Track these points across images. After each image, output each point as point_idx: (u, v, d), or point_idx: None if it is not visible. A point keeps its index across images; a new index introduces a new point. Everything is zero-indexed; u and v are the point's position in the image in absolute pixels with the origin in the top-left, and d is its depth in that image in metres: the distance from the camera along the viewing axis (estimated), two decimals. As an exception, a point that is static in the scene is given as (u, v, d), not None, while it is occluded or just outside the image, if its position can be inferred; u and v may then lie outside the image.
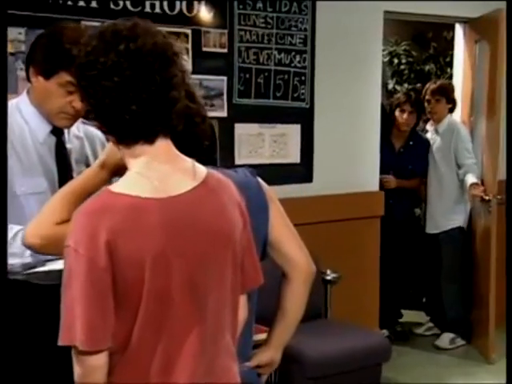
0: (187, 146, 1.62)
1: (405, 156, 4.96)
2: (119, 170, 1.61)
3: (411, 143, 5.00)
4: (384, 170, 4.75)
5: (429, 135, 5.01)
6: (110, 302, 1.41)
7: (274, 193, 2.02)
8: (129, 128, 1.47)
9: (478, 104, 4.98)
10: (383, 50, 6.26)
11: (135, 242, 1.40)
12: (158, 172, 1.49)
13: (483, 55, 4.84)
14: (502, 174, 4.54)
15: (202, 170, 1.58)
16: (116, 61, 1.42)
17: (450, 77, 5.50)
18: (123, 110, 1.43)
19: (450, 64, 5.54)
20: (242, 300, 1.65)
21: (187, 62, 2.51)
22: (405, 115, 4.86)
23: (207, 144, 1.79)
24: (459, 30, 5.16)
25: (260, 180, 1.99)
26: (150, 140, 1.49)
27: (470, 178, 4.61)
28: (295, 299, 1.99)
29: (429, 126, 5.08)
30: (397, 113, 4.90)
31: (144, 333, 1.43)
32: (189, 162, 1.56)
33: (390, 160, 4.84)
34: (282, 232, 1.96)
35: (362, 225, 4.39)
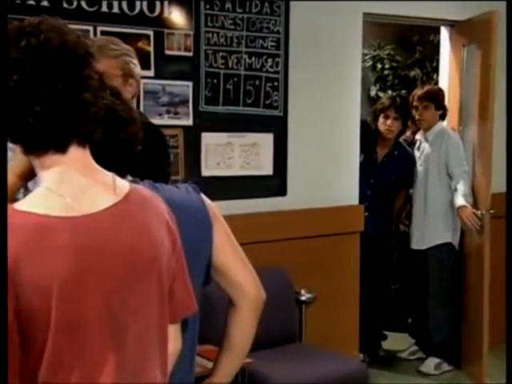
0: (114, 154, 1.55)
1: (388, 166, 4.83)
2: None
3: (395, 153, 4.86)
4: (364, 180, 4.62)
5: (418, 145, 4.85)
6: (13, 336, 1.29)
7: (219, 211, 1.90)
8: (35, 134, 1.37)
9: (467, 111, 4.85)
10: (366, 55, 6.22)
11: (41, 266, 1.30)
12: (73, 186, 1.39)
13: (472, 59, 4.71)
14: (496, 187, 4.45)
15: (123, 184, 1.48)
16: (16, 57, 1.34)
17: (437, 83, 5.28)
18: (26, 111, 1.34)
19: (437, 69, 5.40)
20: (173, 330, 1.54)
21: (137, 67, 2.42)
22: (389, 121, 4.73)
23: (140, 150, 1.64)
24: (445, 34, 5.02)
25: (203, 197, 1.90)
26: (62, 148, 1.39)
27: (458, 200, 4.45)
28: (243, 328, 1.87)
29: (418, 136, 4.92)
30: (380, 119, 4.77)
31: (54, 367, 1.32)
32: (109, 175, 1.46)
33: (371, 170, 4.75)
34: (228, 253, 1.86)
35: (340, 241, 4.27)
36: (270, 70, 3.99)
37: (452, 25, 4.93)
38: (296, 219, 4.10)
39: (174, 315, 1.52)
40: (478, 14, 4.58)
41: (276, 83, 4.01)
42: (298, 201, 4.13)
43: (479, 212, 4.45)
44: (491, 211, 4.46)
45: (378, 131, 4.83)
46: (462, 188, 4.49)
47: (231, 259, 1.85)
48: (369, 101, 6.09)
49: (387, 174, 4.83)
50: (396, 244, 5.17)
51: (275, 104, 4.02)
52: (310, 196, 4.18)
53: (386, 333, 5.08)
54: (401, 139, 5.03)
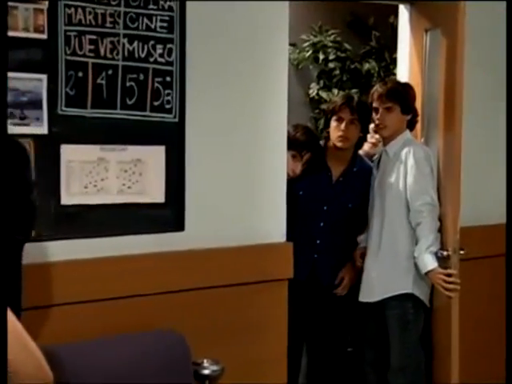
0: None
1: (345, 188, 4.48)
2: None
3: (355, 169, 4.49)
4: (315, 207, 4.42)
5: (377, 162, 4.50)
6: None
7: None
8: None
9: (431, 116, 4.55)
10: (304, 41, 6.19)
11: None
12: None
13: (437, 48, 4.48)
14: (467, 219, 4.30)
15: None
16: None
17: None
18: None
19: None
20: None
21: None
22: (343, 125, 4.37)
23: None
24: (405, 15, 4.80)
25: None
26: None
27: (422, 261, 4.10)
28: None
29: (378, 149, 4.57)
30: (333, 123, 4.41)
31: None
32: None
33: (323, 193, 4.40)
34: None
35: (260, 292, 3.88)
36: (160, 60, 3.58)
37: (412, 2, 4.69)
38: (197, 263, 3.73)
39: None
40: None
41: (168, 78, 3.62)
42: (201, 238, 3.76)
43: (450, 270, 4.11)
44: (461, 252, 4.12)
45: (327, 139, 4.51)
46: (424, 234, 4.12)
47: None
48: (310, 103, 5.97)
49: (345, 198, 4.47)
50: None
51: (167, 106, 3.64)
52: (218, 231, 3.82)
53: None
54: (361, 152, 4.64)
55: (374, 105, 4.37)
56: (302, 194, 4.40)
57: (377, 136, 4.75)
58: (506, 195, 3.59)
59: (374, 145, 4.90)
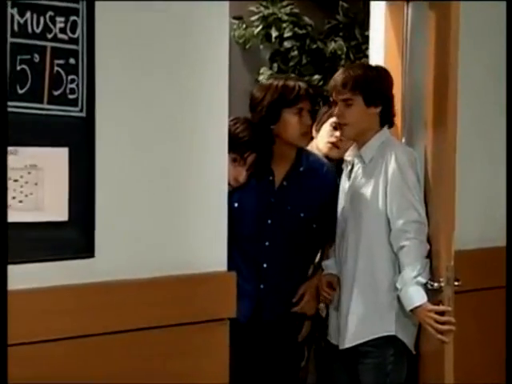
0: None
1: (290, 193, 4.21)
2: None
3: (301, 169, 4.22)
4: (256, 221, 4.12)
5: (347, 171, 4.28)
6: None
7: None
8: None
9: (414, 110, 4.42)
10: (253, 14, 6.24)
11: None
12: None
13: (421, 24, 4.37)
14: (463, 239, 4.12)
15: None
16: None
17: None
18: None
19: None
20: None
21: None
22: (307, 119, 4.22)
23: None
24: None
25: None
26: None
27: (408, 295, 3.87)
28: None
29: (348, 155, 4.30)
30: (293, 118, 4.18)
31: None
32: None
33: (266, 202, 4.11)
34: None
35: (194, 335, 3.62)
36: (62, 36, 3.24)
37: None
38: (110, 299, 3.43)
39: None
40: None
41: (73, 60, 3.29)
42: (115, 266, 3.47)
43: (443, 307, 3.83)
44: (456, 283, 3.85)
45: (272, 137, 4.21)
46: (410, 261, 3.88)
47: None
48: None
49: (293, 206, 4.18)
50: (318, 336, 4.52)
51: (71, 97, 3.31)
52: (137, 258, 3.53)
53: None
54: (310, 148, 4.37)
55: (332, 98, 4.20)
56: (237, 206, 4.08)
57: (337, 134, 4.46)
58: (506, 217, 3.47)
59: (334, 145, 4.55)
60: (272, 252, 4.15)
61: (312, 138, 4.49)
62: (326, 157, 4.50)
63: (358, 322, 4.00)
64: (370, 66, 4.29)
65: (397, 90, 4.38)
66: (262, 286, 4.12)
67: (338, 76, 4.15)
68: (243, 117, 4.15)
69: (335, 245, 4.16)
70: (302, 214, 4.19)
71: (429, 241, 3.96)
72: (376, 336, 3.96)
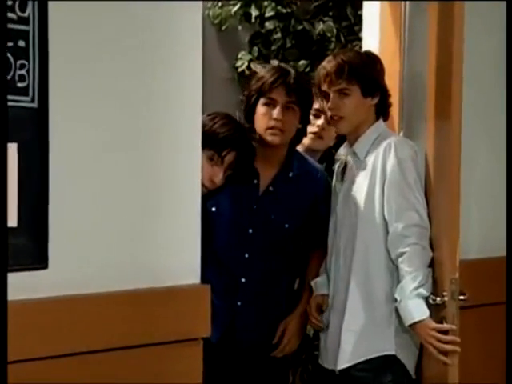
0: None
1: (277, 200, 4.03)
2: None
3: (291, 175, 4.01)
4: (236, 230, 3.96)
5: (339, 169, 4.08)
6: None
7: None
8: None
9: (413, 101, 4.31)
10: None
11: None
12: None
13: (422, 6, 4.18)
14: (469, 247, 4.01)
15: None
16: None
17: (361, 48, 4.78)
18: None
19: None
20: None
21: None
22: (276, 111, 3.93)
23: None
24: None
25: None
26: None
27: (407, 309, 3.69)
28: None
29: (341, 151, 4.14)
30: (261, 108, 3.98)
31: None
32: None
33: (248, 209, 3.94)
34: None
35: (163, 358, 3.42)
36: (10, 15, 3.04)
37: None
38: (68, 316, 3.25)
39: None
40: None
41: (22, 42, 3.09)
42: (72, 279, 3.26)
43: (447, 325, 3.64)
44: (461, 297, 3.62)
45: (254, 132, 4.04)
46: (410, 270, 3.70)
47: None
48: (239, 80, 5.77)
49: (278, 215, 3.99)
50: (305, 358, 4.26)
51: (21, 85, 3.11)
52: (98, 269, 3.33)
53: None
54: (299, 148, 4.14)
55: (323, 88, 3.95)
56: (214, 211, 3.89)
57: (319, 122, 4.29)
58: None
59: (317, 136, 4.36)
60: (252, 265, 3.98)
61: (301, 139, 4.32)
62: (309, 149, 4.35)
63: (351, 340, 3.85)
64: (360, 52, 4.15)
65: (394, 79, 4.28)
66: (239, 303, 3.95)
67: (329, 63, 3.96)
68: (223, 112, 3.97)
69: (326, 259, 3.98)
70: (286, 225, 4.03)
71: (431, 247, 3.82)
72: (371, 356, 3.80)
